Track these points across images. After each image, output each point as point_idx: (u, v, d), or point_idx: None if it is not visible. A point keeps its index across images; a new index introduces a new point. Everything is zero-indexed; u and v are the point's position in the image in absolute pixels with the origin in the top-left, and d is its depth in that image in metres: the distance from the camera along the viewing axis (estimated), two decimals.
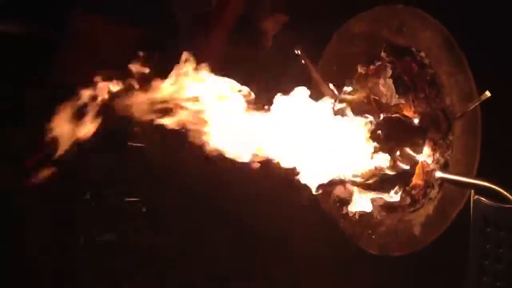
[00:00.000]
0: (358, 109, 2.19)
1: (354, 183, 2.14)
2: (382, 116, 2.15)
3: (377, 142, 2.08)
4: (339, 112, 2.17)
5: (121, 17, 3.01)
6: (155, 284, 2.89)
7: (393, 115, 2.18)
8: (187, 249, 2.88)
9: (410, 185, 2.14)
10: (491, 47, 2.03)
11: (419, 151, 2.13)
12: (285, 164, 1.98)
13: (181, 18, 3.08)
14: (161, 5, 3.05)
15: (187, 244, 2.88)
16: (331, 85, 2.31)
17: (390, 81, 2.25)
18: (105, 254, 2.89)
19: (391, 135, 2.11)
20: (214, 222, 2.81)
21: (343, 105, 2.21)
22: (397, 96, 2.22)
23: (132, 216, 2.95)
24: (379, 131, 2.09)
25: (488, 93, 1.91)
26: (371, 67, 2.32)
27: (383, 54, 2.28)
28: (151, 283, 2.89)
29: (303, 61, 2.35)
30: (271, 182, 2.23)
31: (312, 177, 2.04)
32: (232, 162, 1.94)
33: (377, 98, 2.28)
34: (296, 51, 2.36)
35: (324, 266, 2.52)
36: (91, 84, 1.86)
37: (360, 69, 2.34)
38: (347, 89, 2.29)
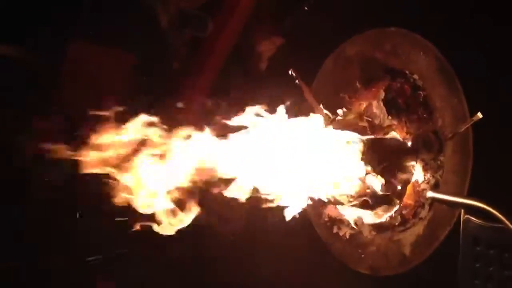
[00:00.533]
0: (351, 130, 2.21)
1: (345, 202, 2.14)
2: (374, 137, 2.18)
3: (369, 163, 2.10)
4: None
5: (116, 43, 3.04)
6: None
7: (385, 136, 2.21)
8: None
9: (401, 205, 2.16)
10: (483, 68, 2.07)
11: (410, 171, 2.15)
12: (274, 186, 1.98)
13: (176, 45, 3.11)
14: (157, 32, 3.08)
15: None
16: (323, 107, 2.34)
17: (381, 103, 2.28)
18: None
19: (383, 156, 2.13)
20: None
21: (337, 126, 2.24)
22: (389, 117, 2.25)
23: None
24: (371, 152, 2.11)
25: (480, 115, 1.94)
26: (365, 89, 2.35)
27: (378, 77, 2.31)
28: None
29: (297, 82, 2.39)
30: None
31: (301, 197, 2.05)
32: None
33: (370, 119, 2.30)
34: (290, 72, 2.40)
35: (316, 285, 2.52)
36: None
37: (354, 91, 2.38)
38: (340, 111, 2.33)
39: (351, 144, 2.11)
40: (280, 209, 2.03)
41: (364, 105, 2.32)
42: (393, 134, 2.20)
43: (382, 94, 2.27)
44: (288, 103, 2.23)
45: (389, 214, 2.18)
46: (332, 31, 2.60)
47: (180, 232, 1.89)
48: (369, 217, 2.24)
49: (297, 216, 2.04)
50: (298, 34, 2.85)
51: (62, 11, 2.91)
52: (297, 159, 2.01)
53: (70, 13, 2.93)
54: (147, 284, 2.85)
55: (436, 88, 2.10)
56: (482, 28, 2.07)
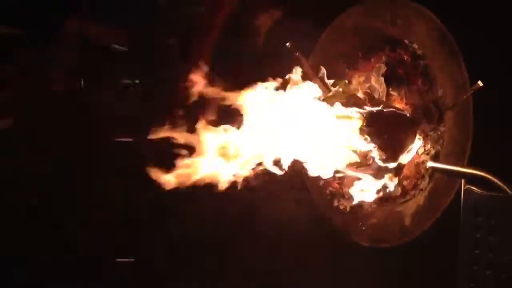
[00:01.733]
0: (350, 103, 2.19)
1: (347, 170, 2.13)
2: (373, 109, 2.16)
3: (368, 135, 2.08)
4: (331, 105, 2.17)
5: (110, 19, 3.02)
6: None
7: (385, 109, 2.19)
8: None
9: (401, 176, 2.15)
10: (484, 37, 2.05)
11: (410, 142, 2.14)
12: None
13: (170, 20, 3.08)
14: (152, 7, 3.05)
15: None
16: (323, 78, 2.32)
17: (382, 79, 2.26)
18: None
19: (382, 128, 2.11)
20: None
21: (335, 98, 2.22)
22: (389, 89, 2.23)
23: None
24: (370, 125, 2.09)
25: (480, 83, 1.92)
26: (364, 60, 2.33)
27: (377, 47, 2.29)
28: None
29: (295, 54, 2.36)
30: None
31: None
32: None
33: (369, 91, 2.28)
34: (287, 45, 2.37)
35: (316, 259, 2.51)
36: None
37: (353, 63, 2.36)
38: (340, 83, 2.30)
39: (350, 116, 2.10)
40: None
41: (363, 76, 2.30)
42: (392, 106, 2.18)
43: (383, 69, 2.25)
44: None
45: (390, 185, 2.16)
46: (330, 1, 2.57)
47: None
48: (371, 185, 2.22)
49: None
50: (295, 5, 2.81)
51: None
52: (297, 131, 2.00)
53: None
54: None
55: (436, 58, 2.08)
56: None
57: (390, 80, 2.22)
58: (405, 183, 2.16)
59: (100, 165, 2.84)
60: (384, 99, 2.25)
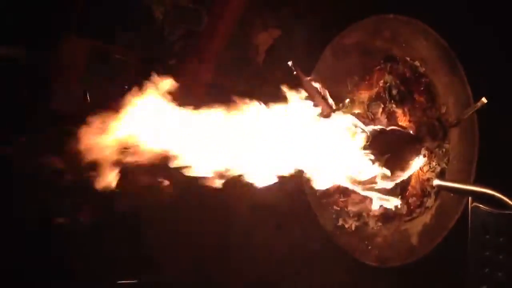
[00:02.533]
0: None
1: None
2: (377, 128, 2.14)
3: (372, 154, 2.06)
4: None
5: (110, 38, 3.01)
6: None
7: (388, 128, 2.18)
8: None
9: (407, 194, 2.13)
10: (487, 53, 2.03)
11: (415, 160, 2.12)
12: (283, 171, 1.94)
13: (171, 39, 3.08)
14: (151, 26, 3.05)
15: None
16: (324, 97, 2.30)
17: (383, 93, 2.25)
18: None
19: (386, 146, 2.09)
20: None
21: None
22: (392, 107, 2.22)
23: None
24: (374, 143, 2.08)
25: (484, 100, 1.90)
26: (366, 78, 2.32)
27: (378, 65, 2.28)
28: None
29: (295, 73, 2.35)
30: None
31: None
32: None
33: (372, 110, 2.28)
34: (289, 63, 2.36)
35: (324, 278, 2.49)
36: None
37: (354, 81, 2.35)
38: (345, 101, 2.29)
39: (354, 135, 2.08)
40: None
41: (365, 94, 2.29)
42: (396, 124, 2.16)
43: (384, 83, 2.24)
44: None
45: (395, 203, 2.14)
46: (330, 20, 2.56)
47: None
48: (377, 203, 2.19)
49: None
50: (296, 24, 2.81)
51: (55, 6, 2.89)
52: (302, 150, 1.98)
53: (63, 8, 2.91)
54: None
55: (438, 75, 2.06)
56: (484, 12, 2.03)
57: (392, 97, 2.20)
58: (410, 200, 2.13)
59: None
60: (387, 115, 2.24)
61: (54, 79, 2.95)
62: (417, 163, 2.11)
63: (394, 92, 2.20)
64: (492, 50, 2.04)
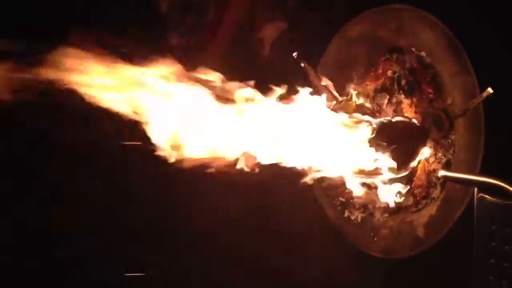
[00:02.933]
0: (360, 113, 2.18)
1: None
2: (383, 119, 2.14)
3: (378, 145, 2.06)
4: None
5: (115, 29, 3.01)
6: None
7: (394, 119, 2.17)
8: None
9: (413, 185, 2.12)
10: (492, 43, 2.02)
11: (421, 151, 2.11)
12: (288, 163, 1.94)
13: (178, 31, 3.08)
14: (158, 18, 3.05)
15: None
16: (330, 89, 2.30)
17: (389, 84, 2.24)
18: None
19: (392, 137, 2.09)
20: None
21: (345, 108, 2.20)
22: (397, 98, 2.21)
23: None
24: (380, 135, 2.07)
25: (490, 90, 1.89)
26: (372, 69, 2.31)
27: (384, 56, 2.27)
28: None
29: (301, 65, 2.35)
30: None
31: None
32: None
33: (377, 101, 2.27)
34: (294, 55, 2.36)
35: (329, 270, 2.49)
36: None
37: (360, 72, 2.34)
38: (350, 92, 2.29)
39: (360, 126, 2.08)
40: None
41: (371, 86, 2.28)
42: (402, 115, 2.16)
43: (392, 73, 2.23)
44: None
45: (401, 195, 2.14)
46: (336, 11, 2.55)
47: None
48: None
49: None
50: (302, 15, 2.81)
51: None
52: (308, 141, 1.98)
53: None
54: None
55: (444, 65, 2.05)
56: (491, 1, 2.02)
57: (398, 88, 2.19)
58: (416, 191, 2.13)
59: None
60: (393, 106, 2.23)
61: None
62: (423, 154, 2.11)
63: (403, 82, 2.19)
64: (498, 40, 2.02)
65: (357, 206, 2.33)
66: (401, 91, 2.19)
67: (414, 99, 2.16)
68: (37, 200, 2.75)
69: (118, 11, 3.02)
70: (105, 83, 1.80)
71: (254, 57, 3.01)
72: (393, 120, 2.15)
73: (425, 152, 2.09)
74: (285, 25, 2.98)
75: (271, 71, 2.79)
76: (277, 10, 2.96)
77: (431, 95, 2.13)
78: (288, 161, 1.94)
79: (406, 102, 2.18)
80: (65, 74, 1.78)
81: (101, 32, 2.94)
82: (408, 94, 2.17)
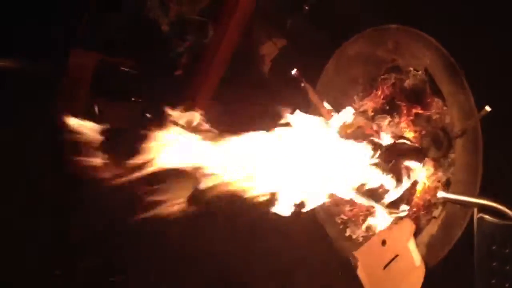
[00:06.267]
0: (359, 133, 2.18)
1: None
2: (383, 140, 2.14)
3: (379, 165, 2.06)
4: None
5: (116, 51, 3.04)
6: None
7: (394, 140, 2.17)
8: None
9: (412, 205, 2.12)
10: (490, 61, 2.03)
11: (420, 171, 2.11)
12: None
13: (177, 51, 3.10)
14: (157, 38, 3.07)
15: None
16: (329, 107, 2.30)
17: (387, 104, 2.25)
18: None
19: (392, 157, 2.09)
20: None
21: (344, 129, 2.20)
22: (399, 116, 2.22)
23: None
24: (381, 155, 2.07)
25: (488, 108, 1.89)
26: (370, 89, 2.32)
27: (381, 75, 2.28)
28: None
29: (301, 84, 2.36)
30: None
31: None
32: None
33: (376, 121, 2.28)
34: (293, 73, 2.37)
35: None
36: None
37: (358, 92, 2.35)
38: (348, 112, 2.28)
39: (360, 147, 2.07)
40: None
41: (370, 106, 2.29)
42: (401, 136, 2.16)
43: (389, 94, 2.24)
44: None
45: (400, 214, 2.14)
46: (334, 31, 2.56)
47: None
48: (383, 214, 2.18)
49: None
50: (300, 35, 2.82)
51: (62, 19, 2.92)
52: (307, 162, 1.97)
53: (70, 21, 2.94)
54: None
55: (442, 84, 2.05)
56: (486, 20, 2.03)
57: (396, 108, 2.19)
58: (416, 212, 2.13)
59: None
60: (392, 126, 2.24)
61: (60, 93, 2.98)
62: (421, 174, 2.11)
63: (399, 103, 2.20)
64: (495, 59, 2.02)
65: (358, 224, 2.34)
66: (397, 112, 2.19)
67: (411, 119, 2.16)
68: None
69: (119, 31, 3.05)
70: None
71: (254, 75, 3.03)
72: (393, 141, 2.15)
73: (421, 172, 2.09)
74: (284, 42, 2.99)
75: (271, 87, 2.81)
76: (275, 28, 2.98)
77: (429, 114, 2.13)
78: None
79: (404, 122, 2.19)
80: None
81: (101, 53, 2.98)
82: (405, 114, 2.17)
